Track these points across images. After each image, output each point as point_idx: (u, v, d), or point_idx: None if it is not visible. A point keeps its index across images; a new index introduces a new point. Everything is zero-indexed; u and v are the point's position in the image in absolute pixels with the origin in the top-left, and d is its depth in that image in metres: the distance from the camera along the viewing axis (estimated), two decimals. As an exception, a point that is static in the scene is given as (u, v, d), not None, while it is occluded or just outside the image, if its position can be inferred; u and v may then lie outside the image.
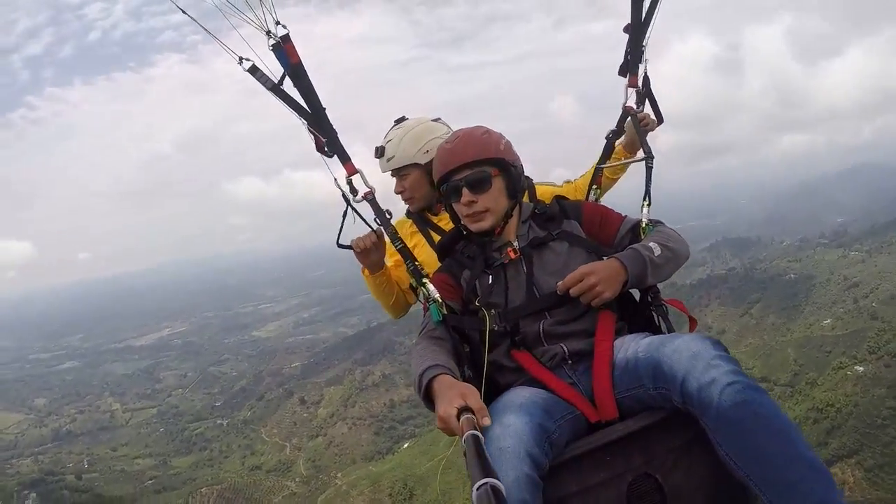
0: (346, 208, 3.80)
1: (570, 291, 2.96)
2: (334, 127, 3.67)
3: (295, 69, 3.47)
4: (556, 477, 2.52)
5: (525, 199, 3.92)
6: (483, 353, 3.09)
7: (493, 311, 3.15)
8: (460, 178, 3.21)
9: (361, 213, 3.83)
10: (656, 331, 3.26)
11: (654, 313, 3.32)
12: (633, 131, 4.22)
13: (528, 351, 3.10)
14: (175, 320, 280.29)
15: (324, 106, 3.57)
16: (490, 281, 3.25)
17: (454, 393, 2.51)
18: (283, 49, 3.43)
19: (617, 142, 4.36)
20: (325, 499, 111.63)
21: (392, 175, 4.33)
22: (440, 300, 3.29)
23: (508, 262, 3.25)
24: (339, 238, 3.91)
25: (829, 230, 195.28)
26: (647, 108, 4.35)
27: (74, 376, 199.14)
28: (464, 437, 2.18)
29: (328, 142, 3.66)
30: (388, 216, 3.89)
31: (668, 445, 2.62)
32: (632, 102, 4.20)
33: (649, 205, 3.67)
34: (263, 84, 3.48)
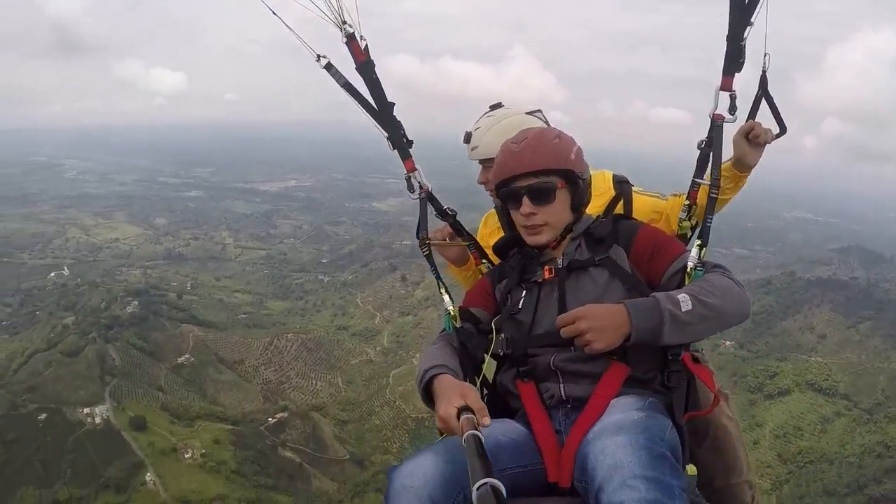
0: (423, 203, 3.79)
1: (561, 332, 2.66)
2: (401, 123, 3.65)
3: (361, 66, 3.44)
4: None
5: (619, 209, 3.76)
6: (478, 374, 3.06)
7: (502, 335, 3.04)
8: (522, 186, 2.94)
9: (433, 209, 3.90)
10: (673, 390, 2.80)
11: (670, 376, 2.81)
12: (742, 144, 3.40)
13: (535, 382, 2.93)
14: (303, 174, 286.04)
15: (392, 102, 3.54)
16: (523, 296, 3.07)
17: (454, 392, 2.45)
18: (353, 43, 3.41)
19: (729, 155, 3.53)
20: (397, 374, 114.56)
21: (480, 163, 4.08)
22: (453, 312, 3.21)
23: (543, 281, 3.04)
24: (418, 230, 3.84)
25: None
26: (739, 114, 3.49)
27: (197, 205, 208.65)
28: (464, 436, 2.14)
29: (390, 137, 3.61)
30: (450, 213, 3.91)
31: None
32: (724, 109, 3.38)
33: (703, 245, 2.96)
34: (336, 80, 3.46)
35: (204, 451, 76.40)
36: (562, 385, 2.84)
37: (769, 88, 3.55)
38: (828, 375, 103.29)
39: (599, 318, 2.57)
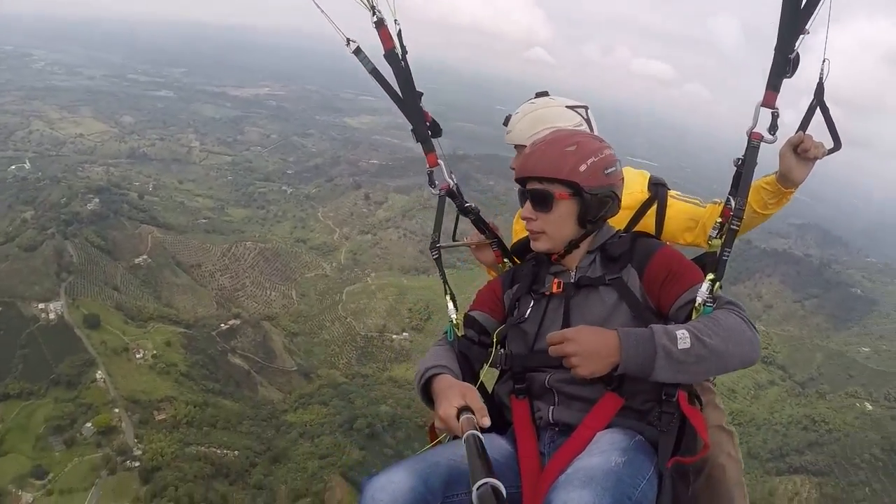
0: (454, 205, 3.75)
1: (549, 350, 2.60)
2: (436, 121, 3.65)
3: (389, 54, 3.41)
4: None
5: (651, 215, 3.77)
6: (475, 384, 2.91)
7: (502, 350, 3.03)
8: (528, 189, 2.92)
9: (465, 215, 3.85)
10: (662, 433, 2.70)
11: (661, 416, 2.71)
12: (789, 158, 3.21)
13: (530, 399, 2.92)
14: (276, 82, 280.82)
15: (420, 92, 3.52)
16: (530, 306, 3.01)
17: (454, 392, 2.44)
18: (383, 29, 3.37)
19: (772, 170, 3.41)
20: (351, 290, 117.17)
21: (514, 147, 3.97)
22: (456, 321, 3.20)
23: (551, 295, 2.97)
24: (454, 235, 3.90)
25: None
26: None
27: (166, 105, 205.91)
28: (464, 436, 2.15)
29: (414, 129, 3.58)
30: (473, 210, 3.80)
31: None
32: (763, 129, 3.12)
33: (715, 280, 2.72)
34: (365, 66, 3.43)
35: (155, 352, 78.48)
36: (552, 407, 2.84)
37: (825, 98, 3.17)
38: (768, 344, 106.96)
39: (588, 344, 2.51)
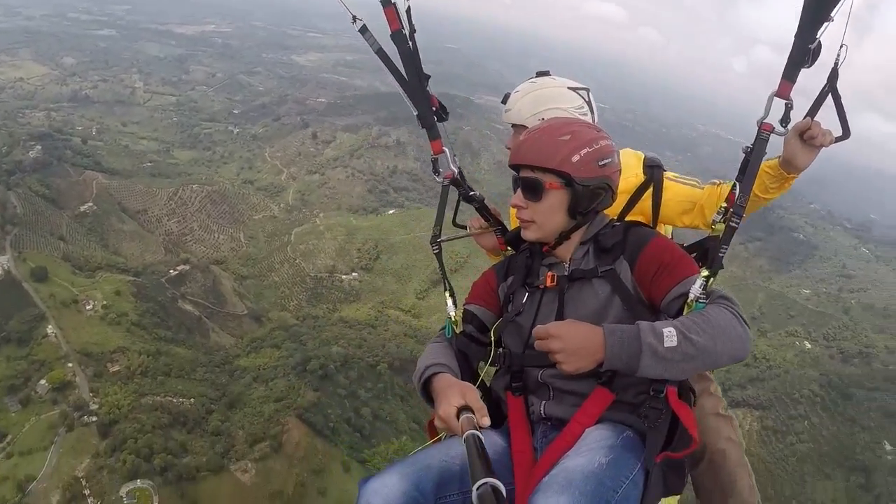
0: (457, 192, 3.66)
1: (535, 345, 2.60)
2: (443, 105, 3.58)
3: (395, 35, 3.32)
4: None
5: (647, 199, 3.73)
6: (475, 381, 3.04)
7: (500, 350, 3.03)
8: (520, 177, 2.89)
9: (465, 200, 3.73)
10: (650, 429, 2.64)
11: (649, 412, 2.65)
12: (794, 144, 3.08)
13: (525, 394, 2.94)
14: (223, 18, 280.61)
15: (427, 74, 3.45)
16: (524, 300, 2.98)
17: (454, 392, 2.48)
18: (389, 9, 3.28)
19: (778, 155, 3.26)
20: (300, 231, 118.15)
21: (511, 127, 3.83)
22: (455, 318, 3.17)
23: (546, 288, 2.92)
24: (454, 217, 3.77)
25: (857, 218, 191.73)
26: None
27: (108, 45, 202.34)
28: (464, 436, 2.17)
29: (419, 115, 3.51)
30: (477, 198, 3.70)
31: None
32: (774, 119, 3.00)
33: (709, 276, 2.62)
34: (371, 46, 3.33)
35: (105, 302, 78.54)
36: (544, 402, 2.84)
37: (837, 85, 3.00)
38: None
39: (572, 340, 2.47)
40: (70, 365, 67.15)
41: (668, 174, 3.77)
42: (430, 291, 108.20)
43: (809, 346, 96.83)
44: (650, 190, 3.72)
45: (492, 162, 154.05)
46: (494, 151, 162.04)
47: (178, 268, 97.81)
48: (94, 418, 60.57)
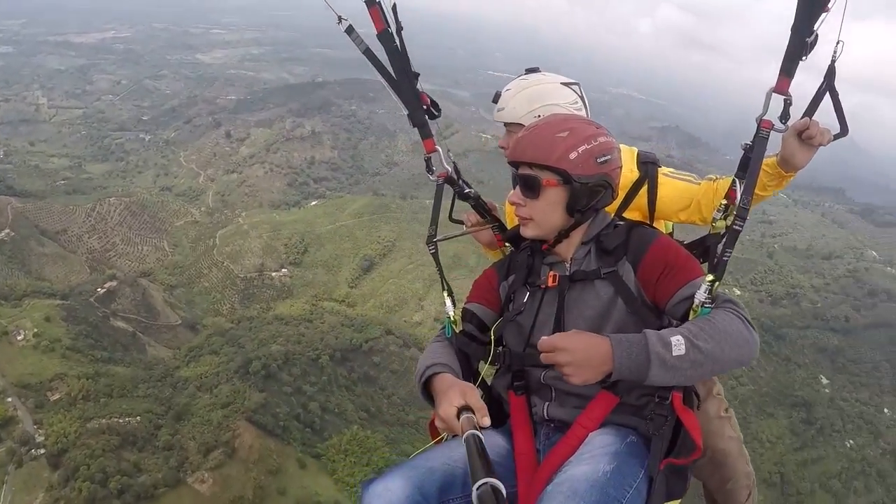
0: (451, 189, 3.67)
1: (541, 357, 2.55)
2: (436, 103, 3.50)
3: (381, 35, 3.23)
4: None
5: (643, 195, 3.70)
6: (475, 380, 3.07)
7: (500, 349, 3.02)
8: (519, 174, 2.87)
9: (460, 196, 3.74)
10: (654, 436, 2.65)
11: (653, 419, 2.66)
12: (792, 143, 3.08)
13: (528, 394, 2.94)
14: (122, 24, 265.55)
15: (416, 73, 3.36)
16: (525, 299, 2.97)
17: (454, 392, 2.45)
18: (374, 9, 3.19)
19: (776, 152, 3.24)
20: (224, 234, 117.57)
21: (504, 126, 3.82)
22: (454, 317, 3.17)
23: (547, 288, 2.91)
24: (451, 213, 3.81)
25: None
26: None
27: (6, 63, 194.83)
28: (464, 436, 2.17)
29: (410, 114, 3.43)
30: (472, 194, 3.73)
31: None
32: (774, 116, 2.94)
33: (714, 281, 2.59)
34: (358, 46, 3.27)
35: (36, 330, 76.58)
36: (547, 404, 2.84)
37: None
38: None
39: (580, 352, 2.43)
40: (10, 399, 65.67)
41: (662, 170, 3.79)
42: (362, 279, 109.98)
43: (739, 292, 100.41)
44: (645, 187, 3.72)
45: (408, 142, 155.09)
46: (410, 132, 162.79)
47: (106, 285, 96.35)
48: (43, 450, 59.51)
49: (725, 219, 3.24)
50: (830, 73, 2.88)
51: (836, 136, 3.03)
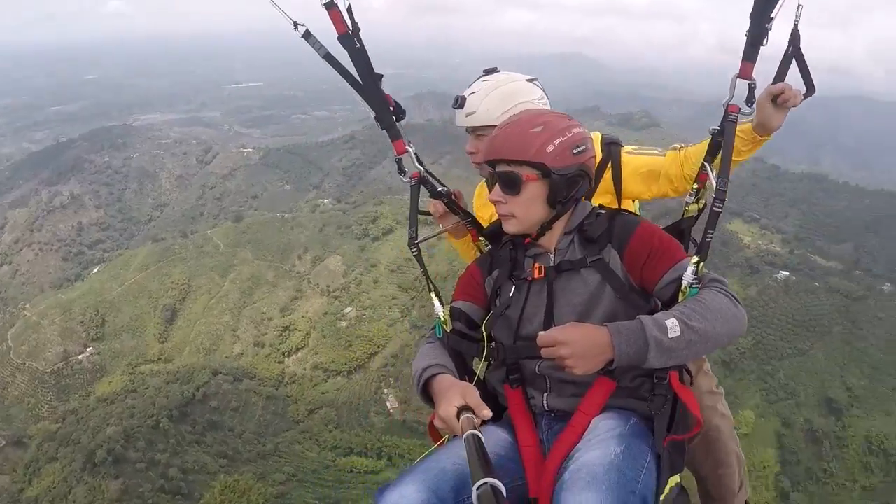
0: (417, 185, 3.63)
1: (541, 353, 2.54)
2: (399, 103, 3.47)
3: (342, 38, 3.19)
4: None
5: (608, 178, 3.76)
6: (471, 378, 3.05)
7: (493, 343, 3.02)
8: (496, 172, 2.87)
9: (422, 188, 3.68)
10: (656, 415, 2.73)
11: (654, 399, 2.73)
12: (767, 108, 3.14)
13: (523, 386, 2.97)
14: None
15: (379, 74, 3.31)
16: (511, 293, 2.99)
17: (454, 392, 2.47)
18: (333, 11, 3.14)
19: (749, 118, 3.26)
20: (15, 333, 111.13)
21: (467, 131, 3.86)
22: (444, 317, 3.15)
23: (533, 280, 2.94)
24: (411, 208, 3.67)
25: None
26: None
27: None
28: (464, 436, 2.18)
29: (377, 116, 3.43)
30: (443, 190, 3.71)
31: None
32: (741, 100, 3.10)
33: (700, 261, 2.64)
34: (317, 51, 3.18)
35: None
36: (545, 394, 2.87)
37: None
38: (422, 208, 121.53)
39: (580, 344, 2.46)
40: None
41: (626, 149, 3.81)
42: (170, 330, 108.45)
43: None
44: (610, 169, 3.74)
45: (172, 178, 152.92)
46: (171, 167, 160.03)
47: None
48: None
49: (698, 202, 3.50)
50: (795, 36, 3.11)
51: (806, 96, 3.20)
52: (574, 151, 2.80)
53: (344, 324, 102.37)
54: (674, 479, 2.68)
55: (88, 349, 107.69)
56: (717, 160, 3.15)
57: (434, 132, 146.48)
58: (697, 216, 3.50)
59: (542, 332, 2.55)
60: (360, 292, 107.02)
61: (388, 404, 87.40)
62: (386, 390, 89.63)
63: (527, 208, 2.86)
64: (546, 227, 2.92)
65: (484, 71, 3.87)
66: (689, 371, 2.94)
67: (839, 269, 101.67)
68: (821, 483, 72.35)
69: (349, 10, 3.12)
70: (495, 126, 3.16)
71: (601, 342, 2.47)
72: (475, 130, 3.81)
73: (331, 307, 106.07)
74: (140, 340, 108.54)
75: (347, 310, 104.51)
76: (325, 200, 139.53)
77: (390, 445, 78.00)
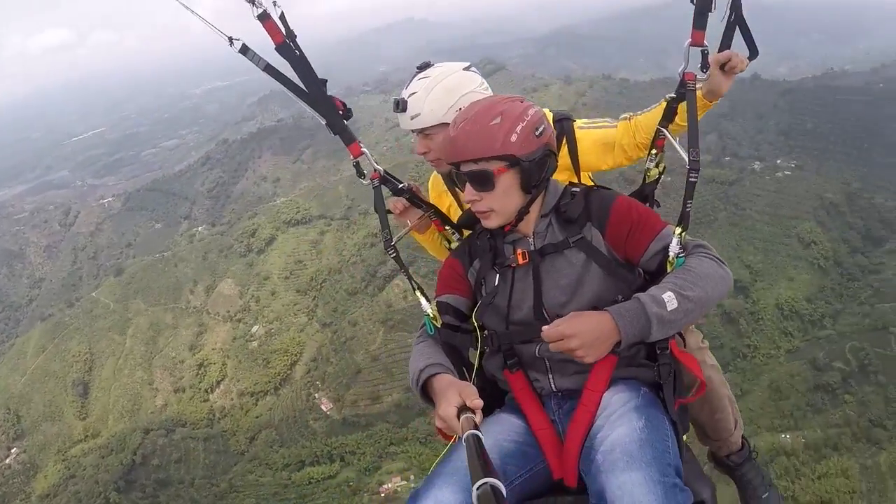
0: (378, 187, 3.57)
1: (550, 347, 2.56)
2: (346, 104, 3.38)
3: (280, 48, 3.05)
4: None
5: (564, 154, 3.70)
6: (468, 369, 3.09)
7: (486, 332, 3.00)
8: (464, 172, 2.79)
9: (384, 188, 3.65)
10: (664, 384, 2.79)
11: (659, 369, 2.78)
12: (716, 75, 3.25)
13: (524, 370, 2.95)
14: None
15: (324, 79, 3.22)
16: (496, 281, 2.96)
17: (453, 392, 2.47)
18: (268, 22, 2.99)
19: (699, 85, 3.25)
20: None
21: (415, 132, 3.62)
22: (433, 314, 3.10)
23: (516, 266, 2.91)
24: (375, 205, 3.58)
25: (371, 79, 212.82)
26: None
27: None
28: (464, 436, 2.18)
29: (328, 122, 3.31)
30: (403, 186, 3.73)
31: None
32: (695, 68, 3.20)
33: (683, 230, 2.71)
34: (256, 64, 3.06)
35: None
36: (550, 376, 2.87)
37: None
38: (298, 208, 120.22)
39: (587, 334, 2.49)
40: None
41: (577, 123, 3.80)
42: (87, 405, 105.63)
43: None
44: (565, 144, 3.72)
45: (40, 251, 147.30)
46: (35, 240, 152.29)
47: None
48: None
49: (657, 166, 3.58)
50: (737, 3, 3.22)
51: (750, 59, 3.33)
52: (536, 133, 2.76)
53: (255, 343, 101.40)
54: (685, 438, 2.84)
55: (13, 451, 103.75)
56: (673, 124, 3.42)
57: (288, 131, 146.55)
58: (658, 179, 3.63)
59: (546, 327, 2.56)
60: (262, 308, 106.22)
61: (322, 408, 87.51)
62: (317, 395, 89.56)
63: (504, 201, 2.81)
64: (524, 212, 2.88)
65: (417, 67, 3.64)
66: (682, 335, 3.08)
67: (709, 161, 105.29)
68: (748, 358, 77.25)
69: (282, 17, 3.01)
70: (443, 124, 3.38)
71: (607, 328, 2.52)
72: (423, 131, 3.59)
73: (237, 331, 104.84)
74: (61, 424, 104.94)
75: (254, 329, 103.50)
76: (200, 228, 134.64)
77: (338, 446, 78.53)
